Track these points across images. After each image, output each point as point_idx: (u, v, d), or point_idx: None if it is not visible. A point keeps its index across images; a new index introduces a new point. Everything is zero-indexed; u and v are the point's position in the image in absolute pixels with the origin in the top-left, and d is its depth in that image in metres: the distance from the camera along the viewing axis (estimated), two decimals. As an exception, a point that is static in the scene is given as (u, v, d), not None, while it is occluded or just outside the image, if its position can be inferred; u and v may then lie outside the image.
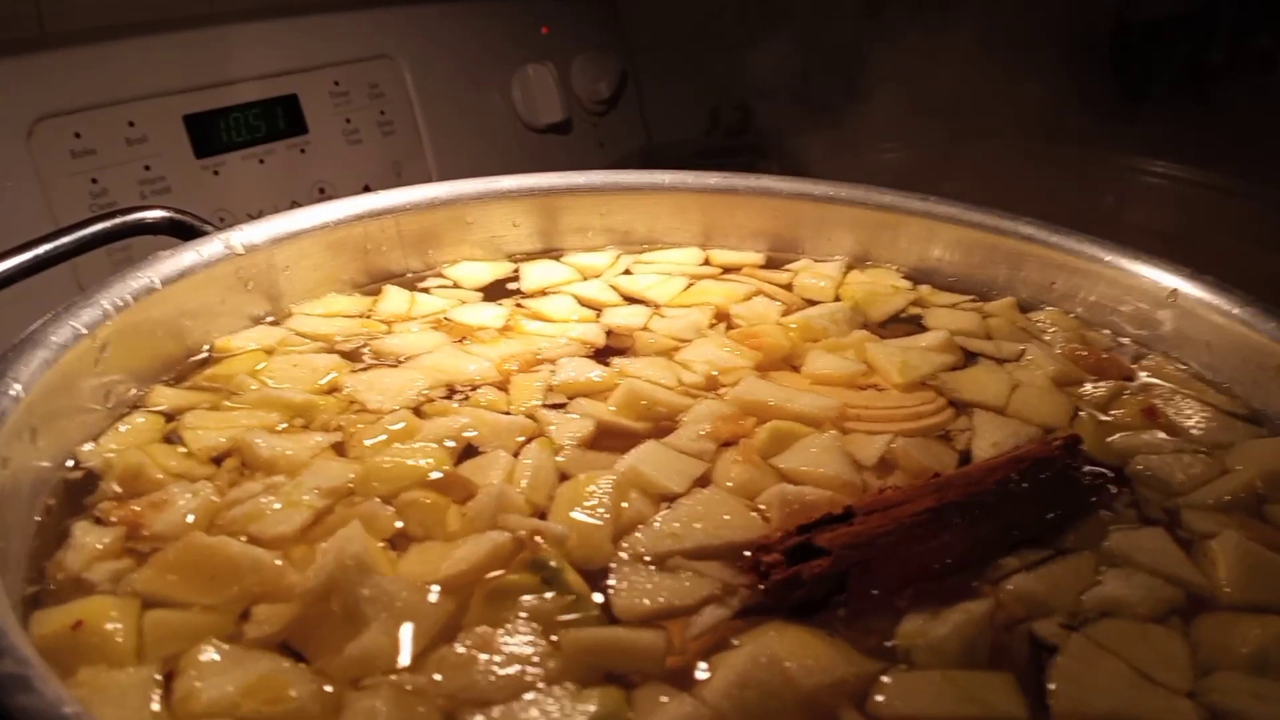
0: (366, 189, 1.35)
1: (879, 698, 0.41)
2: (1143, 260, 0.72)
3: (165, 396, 0.61)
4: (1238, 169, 1.24)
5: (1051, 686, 0.42)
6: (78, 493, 0.53)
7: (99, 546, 0.48)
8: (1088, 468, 0.57)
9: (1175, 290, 0.69)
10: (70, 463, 0.54)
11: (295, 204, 1.28)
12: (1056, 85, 1.37)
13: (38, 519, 0.50)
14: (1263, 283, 1.14)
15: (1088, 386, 0.67)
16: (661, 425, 0.61)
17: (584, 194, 0.86)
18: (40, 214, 1.02)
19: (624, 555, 0.49)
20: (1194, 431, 0.61)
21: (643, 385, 0.63)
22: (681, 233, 0.89)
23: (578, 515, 0.51)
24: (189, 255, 0.66)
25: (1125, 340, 0.73)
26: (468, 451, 0.57)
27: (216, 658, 0.41)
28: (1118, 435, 0.61)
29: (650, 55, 1.80)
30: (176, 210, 0.74)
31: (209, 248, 0.68)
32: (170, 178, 1.14)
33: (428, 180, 1.38)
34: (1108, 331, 0.74)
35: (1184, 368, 0.69)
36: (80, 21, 1.07)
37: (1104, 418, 0.63)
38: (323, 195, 1.30)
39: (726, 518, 0.51)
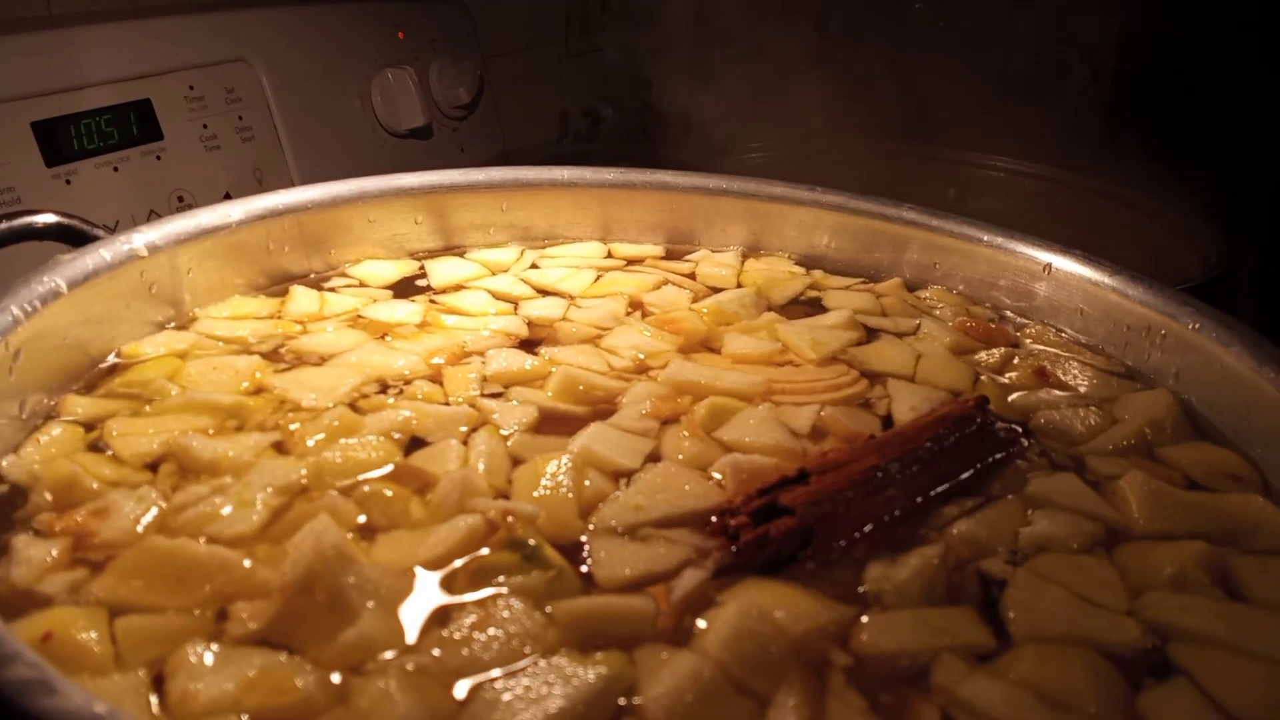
0: (227, 196, 1.30)
1: (863, 637, 0.44)
2: (1017, 239, 0.78)
3: (80, 405, 0.58)
4: (1063, 162, 1.36)
5: (1011, 614, 0.45)
6: (6, 507, 0.50)
7: (47, 559, 0.45)
8: (998, 424, 0.62)
9: (1050, 264, 0.76)
10: (-9, 477, 0.51)
11: (154, 213, 1.22)
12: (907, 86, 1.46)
13: (-33, 537, 0.47)
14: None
15: (981, 354, 0.72)
16: (600, 408, 0.62)
17: (484, 191, 0.86)
18: None
19: (593, 529, 0.50)
20: (1081, 388, 0.67)
21: (577, 371, 0.65)
22: (581, 227, 0.90)
23: (540, 495, 0.52)
24: (93, 258, 0.63)
25: (1006, 312, 0.79)
26: (414, 443, 0.57)
27: (207, 658, 0.40)
28: (1016, 395, 0.66)
29: (504, 61, 1.81)
30: (65, 215, 0.70)
31: (112, 249, 0.65)
32: (20, 188, 1.07)
33: (289, 184, 1.35)
34: (989, 305, 0.80)
35: (1061, 333, 0.75)
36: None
37: (1002, 380, 0.69)
38: (182, 204, 1.25)
39: (687, 487, 0.53)
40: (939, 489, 0.54)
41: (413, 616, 0.43)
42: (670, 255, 0.89)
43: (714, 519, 0.50)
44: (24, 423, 0.56)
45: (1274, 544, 0.52)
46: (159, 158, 1.21)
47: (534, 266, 0.84)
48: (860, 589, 0.47)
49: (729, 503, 0.51)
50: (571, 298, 0.78)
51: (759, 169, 1.35)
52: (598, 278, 0.82)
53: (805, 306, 0.80)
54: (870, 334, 0.75)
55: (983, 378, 0.68)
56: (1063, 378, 0.69)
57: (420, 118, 1.53)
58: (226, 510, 0.49)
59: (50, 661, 0.39)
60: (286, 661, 0.40)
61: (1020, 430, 0.62)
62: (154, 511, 0.49)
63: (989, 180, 1.44)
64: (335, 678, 0.40)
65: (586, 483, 0.53)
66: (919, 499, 0.53)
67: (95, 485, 0.51)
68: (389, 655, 0.41)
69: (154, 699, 0.39)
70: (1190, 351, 0.66)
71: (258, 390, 0.62)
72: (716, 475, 0.55)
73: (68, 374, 0.61)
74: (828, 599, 0.46)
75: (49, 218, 0.68)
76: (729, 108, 1.34)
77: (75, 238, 0.70)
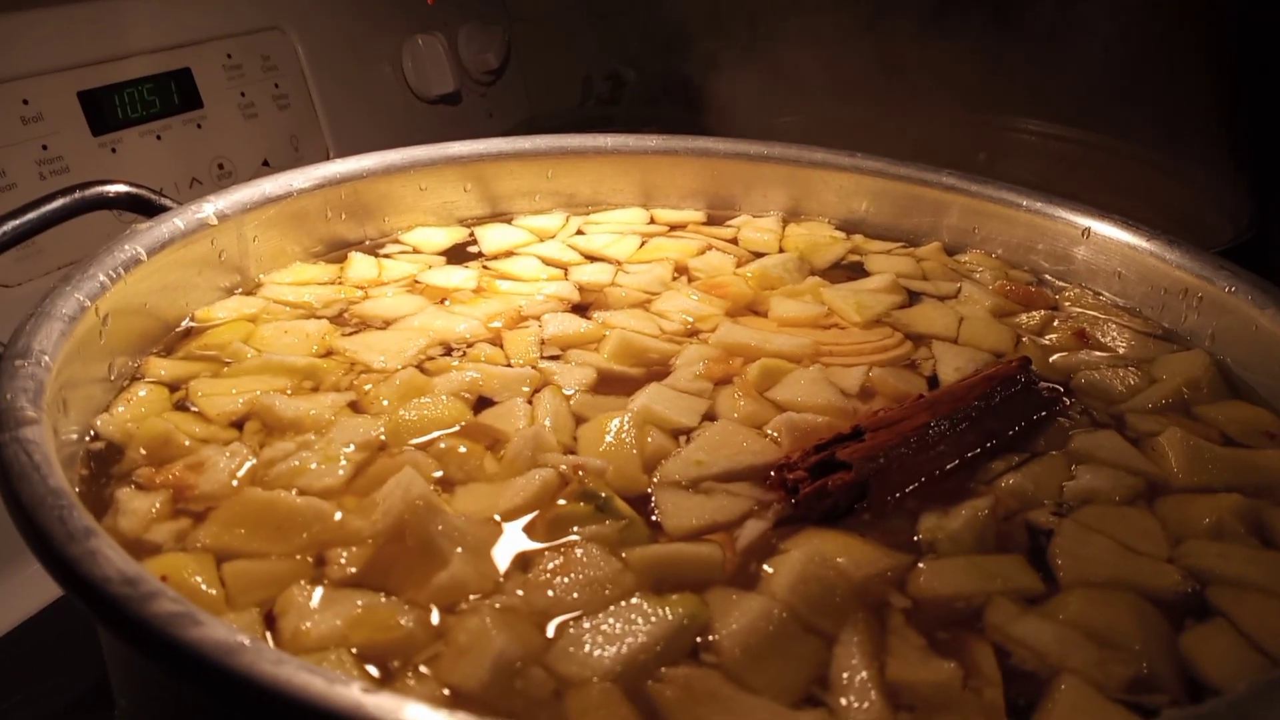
0: (265, 164, 1.33)
1: (920, 581, 0.47)
2: (1056, 203, 0.80)
3: (163, 367, 0.61)
4: (1094, 125, 1.37)
5: (1059, 561, 0.48)
6: (105, 463, 0.53)
7: (152, 510, 0.48)
8: (1041, 384, 0.64)
9: (1089, 228, 0.77)
10: (90, 435, 0.54)
11: (195, 181, 1.25)
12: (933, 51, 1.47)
13: (77, 490, 0.50)
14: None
15: (1022, 317, 0.74)
16: (654, 370, 0.65)
17: (531, 158, 0.88)
18: None
19: (658, 482, 0.53)
20: (1120, 350, 0.70)
21: (631, 334, 0.67)
22: (623, 194, 0.93)
23: (610, 452, 0.55)
24: (168, 227, 0.65)
25: (1045, 276, 0.81)
26: (481, 403, 0.60)
27: (315, 598, 0.43)
28: (1057, 356, 0.68)
29: (529, 25, 1.82)
30: (134, 184, 0.73)
31: (185, 218, 0.67)
32: (68, 156, 1.10)
33: (325, 154, 1.37)
34: (1028, 269, 0.82)
35: (1100, 296, 0.77)
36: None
37: (1043, 342, 0.71)
38: (222, 171, 1.28)
39: (745, 444, 0.56)
40: (987, 445, 0.56)
41: (499, 561, 0.46)
42: (711, 221, 0.91)
43: (773, 473, 0.53)
44: (112, 384, 0.59)
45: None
46: (199, 126, 1.24)
47: (579, 233, 0.86)
48: (915, 538, 0.50)
49: (787, 458, 0.54)
50: (619, 263, 0.81)
51: (784, 135, 1.37)
52: (643, 243, 0.84)
53: (847, 271, 0.82)
54: (913, 297, 0.77)
55: (1024, 339, 0.70)
56: (1102, 339, 0.71)
57: (450, 84, 1.55)
58: (314, 465, 0.52)
59: (171, 602, 0.42)
60: (387, 601, 0.43)
61: (1061, 390, 0.64)
62: (247, 466, 0.52)
63: (1019, 143, 1.45)
64: (434, 617, 0.43)
65: (649, 440, 0.56)
66: (968, 454, 0.55)
67: (187, 442, 0.54)
68: (478, 598, 0.44)
69: (268, 635, 0.42)
70: (1226, 314, 0.68)
71: (328, 353, 0.64)
72: (772, 433, 0.57)
73: (147, 338, 0.65)
74: (885, 547, 0.49)
75: (120, 187, 0.71)
76: (753, 72, 1.35)
77: (144, 207, 0.73)
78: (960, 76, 1.46)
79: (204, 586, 0.44)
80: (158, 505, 0.49)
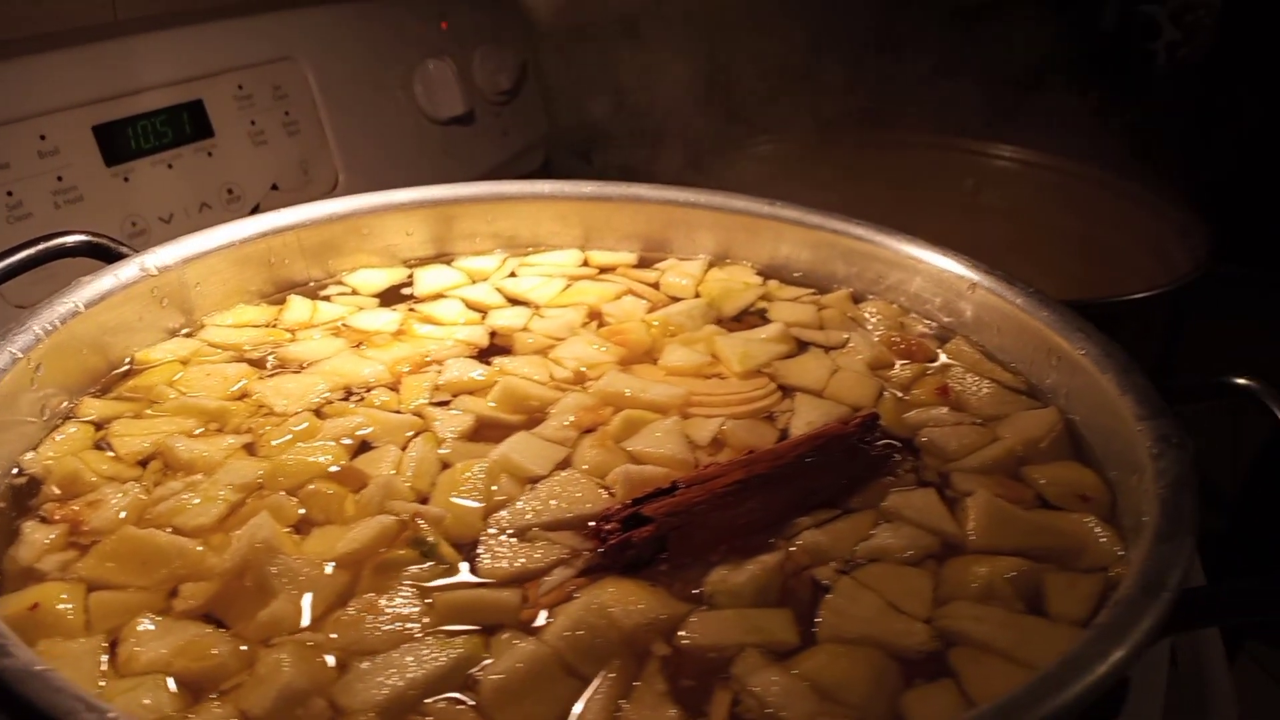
0: (274, 188, 1.42)
1: (687, 631, 0.52)
2: (950, 257, 0.84)
3: (94, 407, 0.70)
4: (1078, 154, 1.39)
5: (818, 618, 0.53)
6: (23, 496, 0.61)
7: (46, 541, 0.57)
8: (884, 440, 0.69)
9: (975, 283, 0.81)
10: (15, 470, 0.63)
11: (205, 206, 1.35)
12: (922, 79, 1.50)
13: (-9, 521, 0.59)
14: (1079, 241, 1.29)
15: (896, 370, 0.79)
16: (534, 417, 0.71)
17: (470, 204, 0.95)
18: None
19: (492, 530, 0.60)
20: (976, 405, 0.74)
21: (518, 382, 0.74)
22: (562, 236, 0.99)
23: (456, 498, 0.62)
24: (108, 279, 0.74)
25: (938, 325, 0.85)
26: (363, 447, 0.67)
27: (151, 627, 0.51)
28: (913, 411, 0.73)
29: (552, 43, 1.88)
30: (94, 234, 0.82)
31: (125, 271, 0.76)
32: (82, 187, 1.20)
33: (334, 177, 1.46)
34: (926, 319, 0.86)
35: (981, 350, 0.81)
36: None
37: (904, 397, 0.75)
38: (231, 196, 1.37)
39: (578, 495, 0.62)
40: (804, 502, 0.62)
41: (319, 601, 0.53)
42: (643, 263, 0.97)
43: (591, 524, 0.59)
44: (45, 423, 0.68)
45: (1094, 564, 0.58)
46: (210, 154, 1.33)
47: (512, 275, 0.93)
48: (699, 590, 0.55)
49: (608, 509, 0.60)
50: (537, 307, 0.87)
51: (766, 161, 1.42)
52: (567, 287, 0.91)
53: (754, 317, 0.87)
54: (802, 347, 0.82)
55: (886, 394, 0.75)
56: (963, 395, 0.75)
57: (460, 106, 1.62)
58: (195, 503, 0.60)
59: (33, 627, 0.50)
60: (210, 633, 0.51)
61: (900, 446, 0.68)
62: (135, 504, 0.60)
63: (1005, 171, 1.47)
64: (245, 649, 0.50)
65: (495, 487, 0.63)
66: (781, 511, 0.61)
67: (93, 479, 0.62)
68: (296, 633, 0.52)
69: (104, 659, 0.49)
70: (1078, 374, 0.71)
71: (242, 395, 0.72)
72: (609, 485, 0.63)
73: (89, 377, 0.73)
74: (669, 597, 0.55)
75: (78, 237, 0.80)
76: (738, 98, 1.40)
77: (103, 254, 0.82)
78: (944, 103, 1.49)
79: (68, 614, 0.52)
80: (52, 537, 0.57)
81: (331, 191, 1.51)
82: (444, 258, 0.96)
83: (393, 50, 1.56)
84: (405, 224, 0.93)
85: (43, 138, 1.16)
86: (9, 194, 1.13)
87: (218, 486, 0.61)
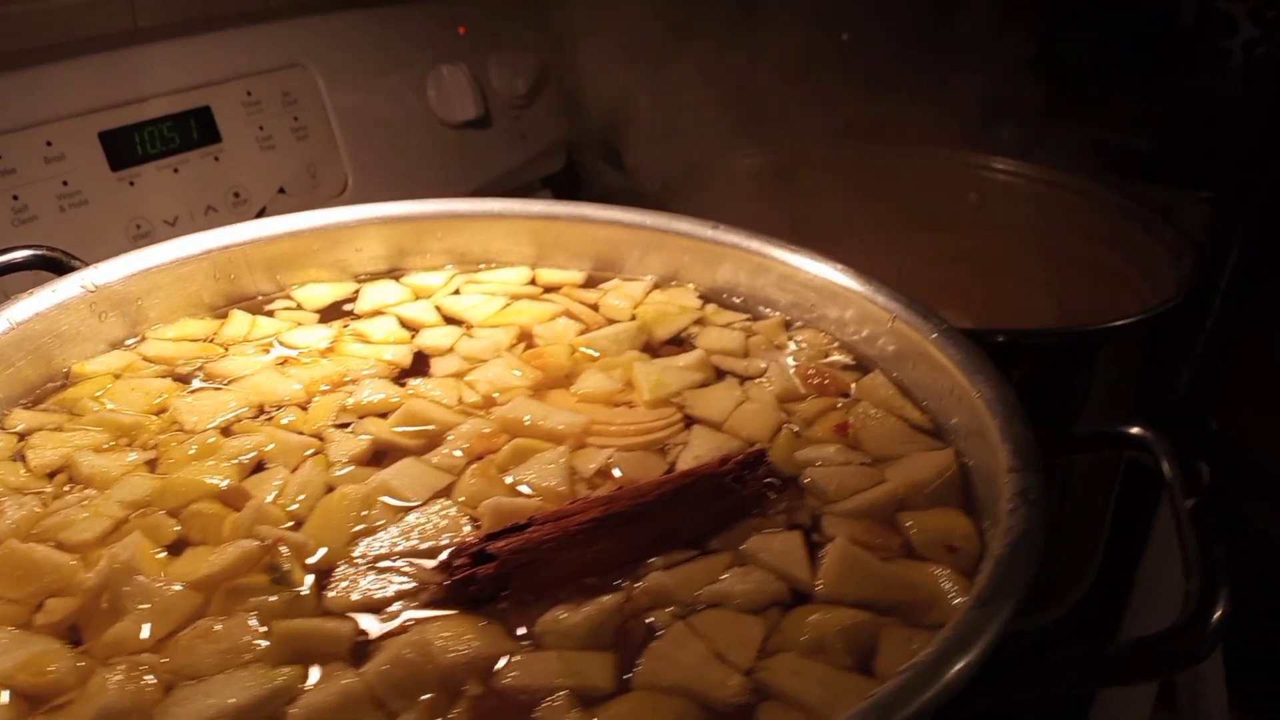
0: (281, 191, 1.46)
1: (505, 671, 0.54)
2: (875, 288, 0.83)
3: (21, 418, 0.74)
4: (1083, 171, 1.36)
5: (638, 664, 0.54)
6: (-64, 505, 0.65)
7: (-56, 551, 0.61)
8: (768, 478, 0.69)
9: (895, 316, 0.80)
10: (-64, 480, 0.67)
11: (211, 209, 1.39)
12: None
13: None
14: (1095, 271, 1.26)
15: (804, 403, 0.78)
16: (433, 442, 0.73)
17: (420, 221, 0.97)
18: None
19: (352, 558, 0.62)
20: (874, 444, 0.73)
21: (420, 405, 0.75)
22: (514, 253, 1.00)
23: (327, 524, 0.64)
24: (42, 297, 0.78)
25: (862, 357, 0.84)
26: (258, 467, 0.70)
27: (5, 640, 0.54)
28: (807, 449, 0.73)
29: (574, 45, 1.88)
30: (47, 248, 0.86)
31: (64, 286, 0.80)
32: (86, 191, 1.25)
33: (344, 181, 1.49)
34: (851, 351, 0.85)
35: (897, 385, 0.80)
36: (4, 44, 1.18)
37: (803, 432, 0.75)
38: (238, 199, 1.41)
39: (443, 526, 0.63)
40: (663, 542, 0.62)
41: (163, 624, 0.56)
42: (591, 283, 0.98)
43: (444, 557, 0.61)
44: (-27, 432, 0.72)
45: (939, 619, 0.57)
46: (217, 159, 1.38)
47: (456, 292, 0.95)
48: (529, 629, 0.56)
49: (463, 543, 0.61)
50: (470, 326, 0.89)
51: (764, 172, 1.41)
52: (505, 306, 0.92)
53: (687, 344, 0.88)
54: (721, 375, 0.82)
55: (785, 429, 0.75)
56: (863, 432, 0.74)
57: (474, 110, 1.65)
58: (82, 519, 0.63)
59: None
60: (55, 650, 0.54)
61: (780, 485, 0.68)
62: (28, 517, 0.64)
63: (1008, 187, 1.44)
64: (83, 665, 0.53)
65: (366, 513, 0.65)
66: (635, 551, 0.61)
67: (0, 490, 0.66)
68: (136, 655, 0.54)
69: (-44, 670, 0.53)
70: (975, 416, 0.70)
71: (160, 411, 0.76)
72: (479, 516, 0.65)
73: (26, 388, 0.77)
74: (501, 636, 0.56)
75: (26, 253, 0.84)
76: (728, 105, 1.40)
77: (55, 267, 0.86)
78: (946, 115, 1.46)
79: (-61, 623, 0.56)
80: (-50, 547, 0.61)
81: (340, 194, 1.54)
82: (395, 273, 0.98)
83: (406, 55, 1.59)
84: (355, 240, 0.96)
85: (49, 144, 1.22)
86: (14, 198, 1.19)
87: (108, 503, 0.65)
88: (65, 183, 1.23)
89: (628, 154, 1.58)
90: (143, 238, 1.27)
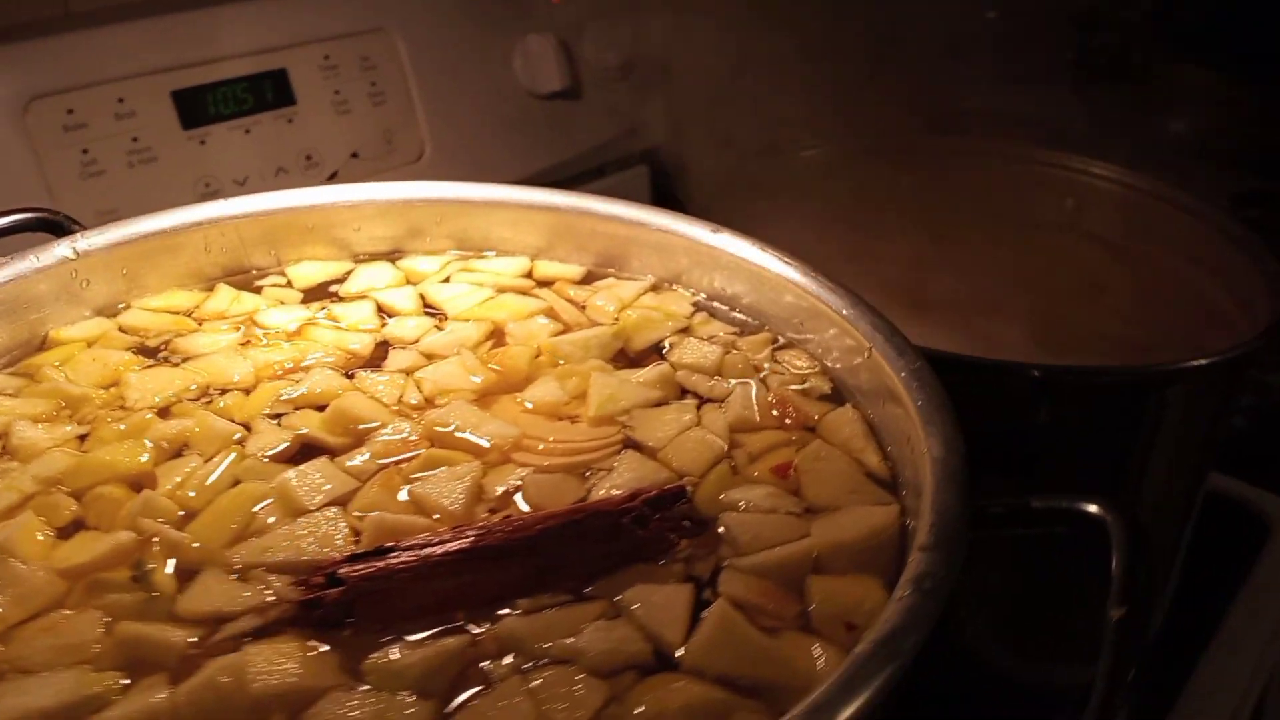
0: (354, 156, 1.48)
1: (314, 706, 0.51)
2: (859, 311, 0.75)
3: (-14, 382, 0.76)
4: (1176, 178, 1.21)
5: (453, 716, 0.51)
6: (-127, 461, 0.68)
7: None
8: (682, 520, 0.63)
9: (872, 346, 0.73)
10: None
11: (281, 170, 1.42)
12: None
13: None
14: (1187, 296, 1.13)
15: (757, 435, 0.72)
16: (358, 442, 0.71)
17: (421, 205, 0.95)
18: (34, 181, 1.19)
19: (228, 561, 0.60)
20: (814, 491, 0.66)
21: (353, 402, 0.73)
22: (516, 242, 0.97)
23: (215, 523, 0.63)
24: (24, 263, 0.80)
25: (844, 386, 0.77)
26: (179, 453, 0.69)
27: None
28: (737, 489, 0.67)
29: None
30: (48, 211, 0.88)
31: (48, 252, 0.81)
32: (156, 148, 1.29)
33: (420, 149, 1.48)
34: (833, 379, 0.78)
35: (867, 423, 0.73)
36: (81, 4, 1.22)
37: (743, 468, 0.69)
38: (310, 163, 1.43)
39: (319, 536, 0.61)
40: (532, 582, 0.58)
41: (22, 610, 0.56)
42: (590, 279, 0.94)
43: (303, 575, 0.58)
44: (-63, 393, 0.74)
45: (805, 709, 0.51)
46: (290, 121, 1.40)
47: (446, 280, 0.92)
48: (361, 664, 0.54)
49: (325, 560, 0.59)
50: (445, 318, 0.86)
51: (811, 167, 1.33)
52: (489, 299, 0.89)
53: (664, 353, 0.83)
54: (683, 394, 0.77)
55: (724, 464, 0.69)
56: (808, 475, 0.68)
57: (560, 82, 1.62)
58: (-4, 490, 0.65)
59: None
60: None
61: (689, 528, 0.63)
62: (-56, 484, 0.65)
63: (1105, 194, 1.31)
64: (-80, 649, 0.54)
65: (257, 514, 0.63)
66: (501, 588, 0.58)
67: (-65, 454, 0.68)
68: (-15, 639, 0.55)
69: None
70: (920, 474, 0.63)
71: (113, 384, 0.76)
72: (362, 530, 0.62)
73: (6, 349, 0.80)
74: (327, 668, 0.53)
75: (25, 215, 0.86)
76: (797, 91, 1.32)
77: (54, 229, 0.88)
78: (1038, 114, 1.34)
79: None
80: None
81: (416, 161, 1.55)
82: (395, 255, 0.97)
83: (494, 23, 1.57)
84: (353, 220, 0.95)
85: (120, 100, 1.26)
86: (84, 152, 1.24)
87: (23, 477, 0.66)
88: (135, 139, 1.28)
89: (700, 138, 1.51)
90: (210, 195, 1.30)
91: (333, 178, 1.47)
